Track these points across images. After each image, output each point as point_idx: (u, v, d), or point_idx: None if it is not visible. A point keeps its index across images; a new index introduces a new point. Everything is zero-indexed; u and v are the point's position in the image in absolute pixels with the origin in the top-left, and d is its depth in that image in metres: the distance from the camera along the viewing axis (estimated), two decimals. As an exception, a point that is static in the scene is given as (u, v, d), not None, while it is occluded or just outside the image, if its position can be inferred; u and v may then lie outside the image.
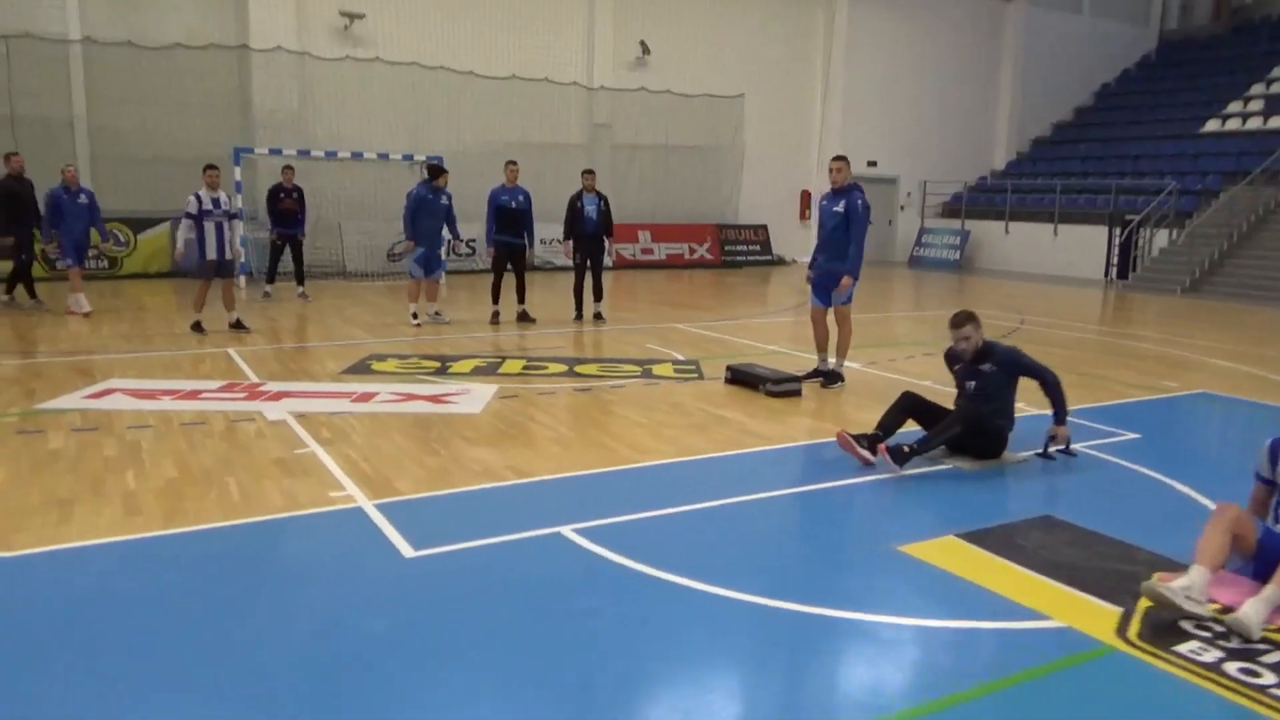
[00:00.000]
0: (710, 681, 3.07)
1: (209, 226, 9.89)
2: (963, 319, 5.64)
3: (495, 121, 19.16)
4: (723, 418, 6.68)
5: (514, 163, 11.67)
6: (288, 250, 13.44)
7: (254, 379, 7.72)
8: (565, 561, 4.01)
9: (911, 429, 5.76)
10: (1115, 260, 20.36)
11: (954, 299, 15.69)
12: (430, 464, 5.38)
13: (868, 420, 6.53)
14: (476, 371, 8.23)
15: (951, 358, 5.93)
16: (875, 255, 24.95)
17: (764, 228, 22.98)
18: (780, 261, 23.02)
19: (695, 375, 8.20)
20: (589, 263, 11.40)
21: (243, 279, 14.45)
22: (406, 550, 4.05)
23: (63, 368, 8.13)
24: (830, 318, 7.96)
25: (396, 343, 9.76)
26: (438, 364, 8.53)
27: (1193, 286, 17.91)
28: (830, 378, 7.83)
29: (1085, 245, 21.33)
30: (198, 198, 9.88)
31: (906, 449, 5.29)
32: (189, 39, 16.59)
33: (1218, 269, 18.19)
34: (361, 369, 8.24)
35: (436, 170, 11.31)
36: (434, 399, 7.09)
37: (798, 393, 7.45)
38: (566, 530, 4.30)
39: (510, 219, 11.33)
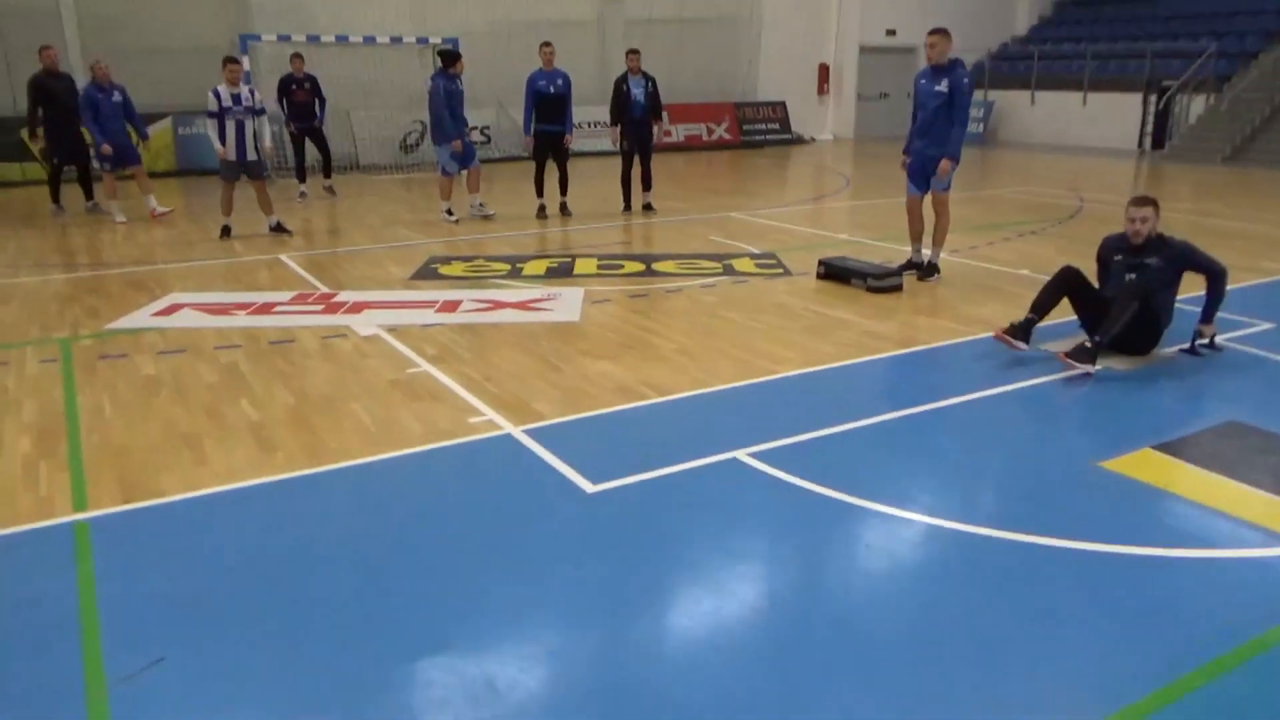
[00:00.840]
0: (983, 627, 2.82)
1: (230, 125, 9.25)
2: (1147, 199, 5.28)
3: (502, -2, 18.06)
4: (835, 318, 6.34)
5: (549, 44, 10.89)
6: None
7: (322, 288, 7.30)
8: (755, 490, 3.75)
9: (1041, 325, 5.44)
10: (1150, 129, 19.74)
11: (993, 176, 15.20)
12: (559, 382, 5.05)
13: (984, 316, 6.28)
14: (550, 273, 7.82)
15: (1111, 246, 5.55)
16: (896, 131, 24.20)
17: (782, 105, 22.11)
18: (800, 140, 22.25)
19: (780, 270, 7.82)
20: (637, 150, 10.80)
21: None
22: (585, 485, 3.76)
23: (115, 281, 7.67)
24: (926, 206, 7.52)
25: (451, 242, 9.30)
26: (507, 266, 8.11)
27: (1233, 155, 17.40)
28: (927, 270, 7.46)
29: (1117, 114, 20.66)
30: (217, 94, 9.21)
31: (1089, 345, 4.99)
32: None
33: (1259, 136, 17.64)
34: (429, 274, 7.82)
35: (453, 56, 10.52)
36: (523, 306, 6.72)
37: (899, 287, 7.10)
38: (742, 455, 4.02)
39: (549, 105, 10.65)
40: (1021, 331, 5.26)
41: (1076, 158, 18.26)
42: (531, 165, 10.96)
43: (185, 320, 6.43)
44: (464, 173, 10.63)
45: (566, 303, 6.77)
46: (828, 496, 3.66)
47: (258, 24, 15.95)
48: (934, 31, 7.34)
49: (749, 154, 19.72)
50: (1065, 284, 5.45)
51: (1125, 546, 3.27)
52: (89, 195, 11.41)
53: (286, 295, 7.08)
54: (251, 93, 9.37)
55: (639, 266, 7.99)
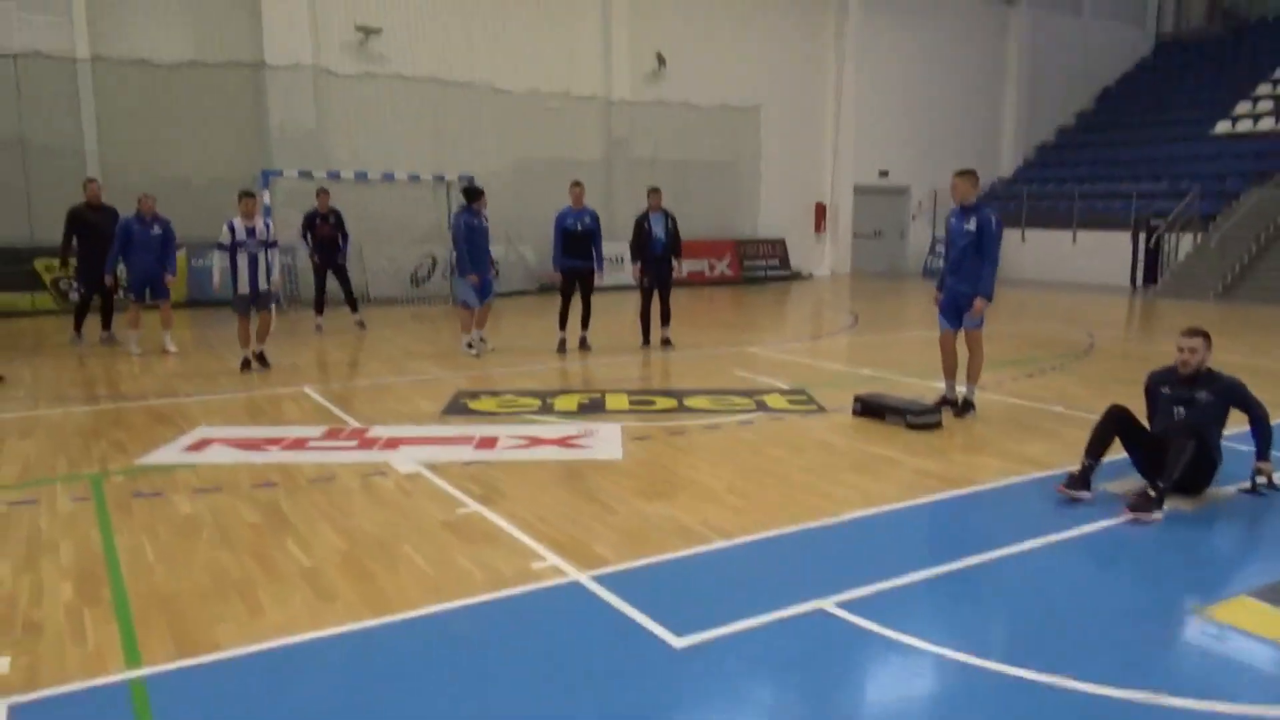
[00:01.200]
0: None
1: (243, 257, 9.30)
2: (1197, 330, 5.29)
3: (515, 137, 18.67)
4: (880, 456, 6.24)
5: (579, 184, 11.15)
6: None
7: (353, 423, 7.17)
8: (848, 645, 3.56)
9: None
10: (1142, 266, 20.26)
11: (998, 313, 15.40)
12: (615, 523, 4.89)
13: (1030, 454, 6.20)
14: (582, 409, 7.73)
15: (1158, 378, 5.53)
16: (888, 266, 24.80)
17: (781, 242, 22.66)
18: (799, 276, 22.70)
19: (814, 407, 7.76)
20: (657, 286, 10.92)
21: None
22: (670, 638, 3.56)
23: (138, 414, 7.53)
24: (960, 343, 7.55)
25: (476, 376, 9.24)
26: (537, 401, 8.02)
27: (1225, 292, 17.81)
28: (963, 407, 7.43)
29: (1107, 251, 21.21)
30: (231, 227, 9.29)
31: (1153, 493, 4.89)
32: (202, 56, 15.91)
33: (1249, 273, 18.11)
34: (459, 409, 7.71)
35: (475, 193, 10.75)
36: (561, 443, 6.60)
37: (939, 424, 7.04)
38: (827, 605, 3.84)
39: (577, 242, 10.82)
40: (1082, 482, 5.18)
41: (1071, 293, 18.64)
42: (555, 298, 11.02)
43: (217, 456, 6.26)
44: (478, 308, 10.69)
45: (605, 439, 6.66)
46: (927, 651, 3.47)
47: (277, 160, 16.34)
48: (958, 173, 7.54)
49: (751, 289, 20.05)
50: (1116, 424, 5.40)
51: (1255, 707, 3.09)
52: (106, 325, 11.39)
53: (318, 430, 6.94)
54: (267, 226, 9.45)
55: (671, 403, 7.92)
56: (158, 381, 8.98)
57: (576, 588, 4.08)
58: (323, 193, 12.72)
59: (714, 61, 21.20)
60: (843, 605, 3.84)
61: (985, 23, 25.63)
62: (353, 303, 12.82)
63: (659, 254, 10.77)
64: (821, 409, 7.67)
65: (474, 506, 5.15)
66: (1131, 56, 29.20)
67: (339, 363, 10.24)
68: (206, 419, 7.31)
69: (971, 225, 7.37)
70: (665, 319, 11.06)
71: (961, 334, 7.52)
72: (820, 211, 23.73)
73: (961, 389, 7.56)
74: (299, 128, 16.54)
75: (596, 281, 10.97)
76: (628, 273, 11.54)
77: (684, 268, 20.78)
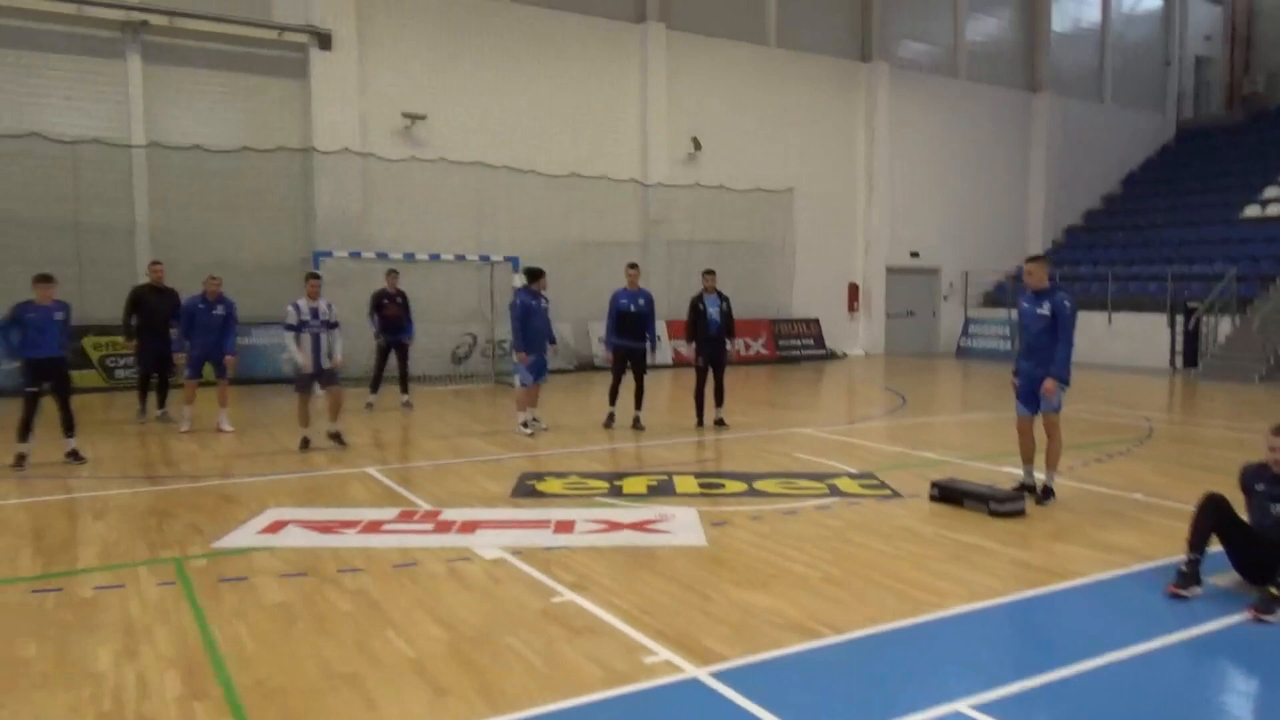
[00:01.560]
0: None
1: (306, 337, 9.36)
2: None
3: (555, 219, 18.94)
4: (971, 544, 6.09)
5: (635, 266, 11.31)
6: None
7: (424, 505, 7.08)
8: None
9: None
10: (1181, 348, 20.13)
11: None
12: (718, 614, 4.75)
13: (1122, 543, 6.05)
14: (652, 491, 7.63)
15: (1251, 475, 5.38)
16: (920, 347, 24.76)
17: (816, 321, 22.71)
18: (833, 355, 22.68)
19: (887, 491, 7.63)
20: (711, 366, 10.90)
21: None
22: (809, 741, 3.40)
23: (206, 494, 7.48)
24: (1038, 428, 7.43)
25: (535, 457, 9.16)
26: (605, 484, 7.92)
27: (1269, 374, 17.63)
28: (1044, 493, 7.28)
29: (1143, 333, 21.12)
30: (296, 307, 9.37)
31: (1275, 591, 4.72)
32: (253, 143, 16.30)
33: (1293, 355, 17.95)
34: (527, 491, 7.62)
35: (536, 273, 10.85)
36: (640, 527, 6.48)
37: (1022, 511, 6.89)
38: (963, 707, 3.68)
39: (630, 322, 10.89)
40: (1192, 579, 5.03)
41: (1112, 375, 18.48)
42: (593, 376, 11.02)
43: (293, 539, 6.17)
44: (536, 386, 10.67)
45: (684, 524, 6.54)
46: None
47: (320, 242, 16.59)
48: (1031, 259, 7.54)
49: (788, 369, 20.01)
50: (1216, 514, 5.24)
51: None
52: (161, 404, 11.42)
53: (391, 512, 6.86)
54: (329, 306, 9.52)
55: (741, 486, 7.80)
56: (219, 461, 8.95)
57: (695, 685, 3.93)
58: (392, 273, 12.89)
59: (748, 145, 21.61)
60: (979, 708, 3.68)
61: (1012, 109, 26.09)
62: (405, 382, 12.83)
63: (713, 334, 10.79)
64: (896, 494, 7.53)
65: (568, 595, 5.03)
66: (1154, 143, 29.59)
67: (395, 442, 10.19)
68: (274, 500, 7.25)
69: (1045, 309, 7.33)
70: (719, 399, 11.01)
71: (1039, 419, 7.40)
72: (853, 292, 23.84)
73: (1040, 475, 7.42)
74: (345, 211, 16.84)
75: (649, 361, 10.97)
76: (663, 354, 11.55)
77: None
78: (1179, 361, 20.23)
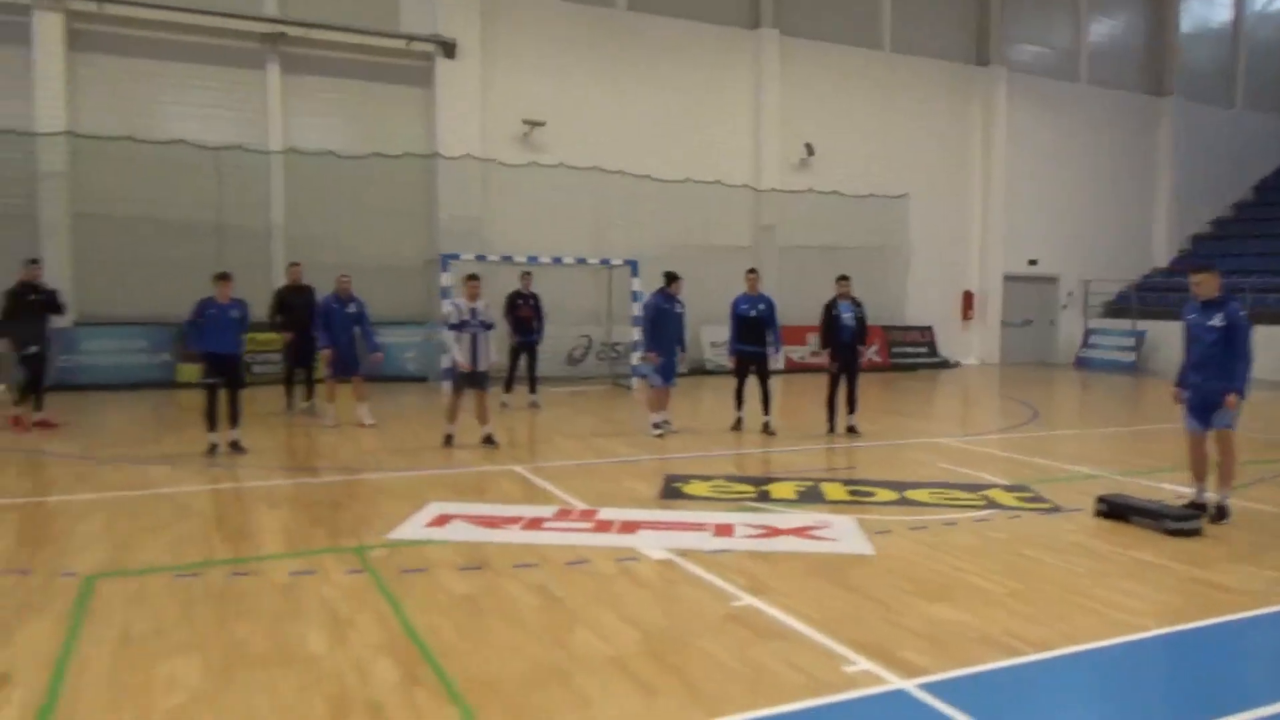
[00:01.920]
0: None
1: (465, 337, 9.54)
2: None
3: (668, 223, 18.97)
4: (1151, 563, 5.85)
5: (754, 271, 11.32)
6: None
7: (577, 504, 7.16)
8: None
9: None
10: (1327, 364, 18.98)
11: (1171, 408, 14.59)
12: (906, 624, 4.66)
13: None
14: (801, 497, 7.55)
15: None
16: (1036, 357, 24.00)
17: (929, 329, 22.23)
18: (946, 364, 22.16)
19: (1047, 505, 7.39)
20: (844, 372, 10.75)
21: (446, 385, 14.23)
22: (1042, 758, 3.30)
23: (364, 487, 7.73)
24: (1210, 443, 7.10)
25: (670, 458, 9.17)
26: (751, 488, 7.89)
27: None
28: (1219, 513, 6.94)
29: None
30: (457, 306, 9.57)
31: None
32: (380, 149, 16.79)
33: None
34: (674, 493, 7.64)
35: (671, 277, 10.89)
36: (801, 533, 6.42)
37: (1199, 530, 6.58)
38: (1198, 730, 3.52)
39: (750, 328, 10.87)
40: None
41: (1258, 391, 17.50)
42: (707, 380, 11.02)
43: (461, 534, 6.31)
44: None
45: (845, 532, 6.45)
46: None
47: (443, 245, 16.98)
48: (1201, 269, 7.20)
49: (902, 377, 19.62)
50: None
51: None
52: (308, 396, 11.87)
53: (548, 510, 6.95)
54: (486, 307, 9.70)
55: (892, 495, 7.67)
56: (368, 455, 9.22)
57: (904, 697, 3.86)
58: (526, 275, 13.13)
59: (862, 151, 21.31)
60: (1217, 732, 3.51)
61: (1136, 113, 25.10)
62: (534, 383, 13.03)
63: (847, 341, 10.65)
64: (1056, 508, 7.29)
65: (747, 599, 5.01)
66: (1288, 146, 28.07)
67: (533, 441, 10.33)
68: (431, 494, 7.42)
69: (1218, 321, 6.99)
70: (852, 406, 10.87)
71: (1211, 434, 7.07)
72: (967, 300, 23.25)
73: (1212, 494, 7.09)
74: (466, 215, 17.20)
75: (770, 365, 10.91)
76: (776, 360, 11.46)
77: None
78: (1325, 378, 19.09)
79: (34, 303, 10.21)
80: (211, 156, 15.74)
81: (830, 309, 10.77)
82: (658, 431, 10.51)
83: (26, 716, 3.55)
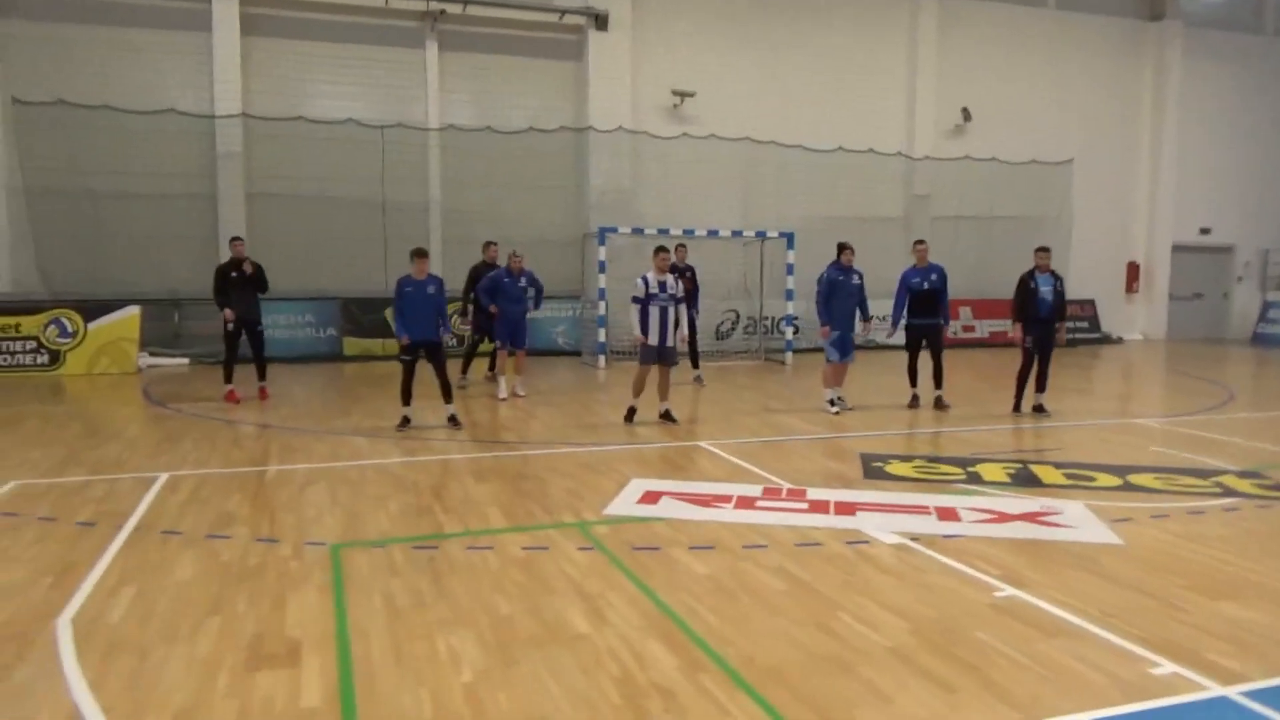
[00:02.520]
0: None
1: (653, 311, 9.41)
2: None
3: (819, 194, 18.49)
4: None
5: (923, 242, 10.93)
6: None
7: (782, 483, 6.98)
8: None
9: None
10: None
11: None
12: (1199, 624, 4.31)
13: None
14: (1014, 480, 7.17)
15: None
16: (1209, 331, 22.48)
17: (1091, 302, 21.10)
18: (1109, 339, 20.99)
19: (1296, 493, 6.79)
20: (1038, 351, 10.21)
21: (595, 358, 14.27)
22: None
23: (564, 461, 7.72)
24: None
25: (857, 437, 8.88)
26: (958, 469, 7.54)
27: None
28: None
29: None
30: (645, 280, 9.45)
31: None
32: (533, 123, 16.87)
33: None
34: (878, 473, 7.36)
35: (843, 247, 10.50)
36: (1031, 519, 6.07)
37: None
38: None
39: (922, 300, 10.52)
40: None
41: None
42: (875, 353, 10.62)
43: (675, 511, 6.22)
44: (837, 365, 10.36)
45: (1079, 518, 6.07)
46: None
47: (594, 218, 17.02)
48: None
49: (1063, 353, 18.58)
50: None
51: None
52: (491, 367, 12.23)
53: (754, 489, 6.80)
54: (677, 281, 9.55)
55: (1114, 480, 7.20)
56: (549, 429, 9.28)
57: (1228, 704, 3.53)
58: (680, 247, 12.94)
59: (1022, 115, 20.29)
60: None
61: (1326, 65, 23.03)
62: (695, 358, 12.90)
63: (1044, 316, 10.09)
64: (1310, 497, 6.69)
65: (1008, 589, 4.73)
66: None
67: (710, 417, 10.14)
68: (626, 469, 7.38)
69: None
70: (1041, 385, 10.32)
71: None
72: (1133, 271, 21.95)
73: None
74: (617, 187, 17.15)
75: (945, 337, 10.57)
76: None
77: (985, 327, 19.81)
78: None
79: (240, 279, 10.61)
80: (376, 135, 16.11)
81: (1027, 282, 10.23)
82: (835, 409, 10.22)
83: (329, 685, 3.60)
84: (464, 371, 12.20)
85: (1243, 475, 7.38)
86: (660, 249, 9.52)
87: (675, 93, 17.68)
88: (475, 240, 16.71)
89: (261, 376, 11.00)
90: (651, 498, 6.54)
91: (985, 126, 19.87)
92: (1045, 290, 10.08)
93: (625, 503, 6.41)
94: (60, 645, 3.97)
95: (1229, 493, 6.83)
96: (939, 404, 10.53)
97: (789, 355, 15.85)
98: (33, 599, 4.50)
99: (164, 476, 7.08)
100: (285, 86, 15.89)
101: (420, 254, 9.10)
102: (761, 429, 9.36)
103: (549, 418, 9.98)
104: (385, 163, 16.25)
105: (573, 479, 7.12)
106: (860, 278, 10.43)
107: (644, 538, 5.59)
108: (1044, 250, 10.28)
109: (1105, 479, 7.24)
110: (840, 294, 10.26)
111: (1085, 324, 20.87)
